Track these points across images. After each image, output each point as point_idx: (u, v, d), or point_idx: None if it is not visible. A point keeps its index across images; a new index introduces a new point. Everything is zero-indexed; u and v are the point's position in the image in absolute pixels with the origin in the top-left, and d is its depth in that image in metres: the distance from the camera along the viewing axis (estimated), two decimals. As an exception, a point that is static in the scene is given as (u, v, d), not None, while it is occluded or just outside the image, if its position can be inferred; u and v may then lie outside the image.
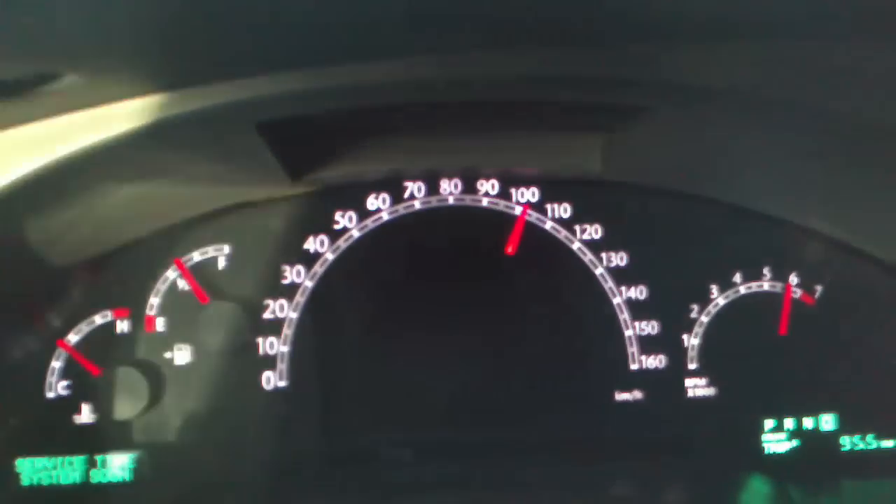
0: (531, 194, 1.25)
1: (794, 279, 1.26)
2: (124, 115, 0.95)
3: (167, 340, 1.22)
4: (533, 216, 1.25)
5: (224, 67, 0.94)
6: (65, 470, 1.20)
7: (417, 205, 1.24)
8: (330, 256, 1.23)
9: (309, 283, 1.22)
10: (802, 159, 1.15)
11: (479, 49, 0.97)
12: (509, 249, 1.22)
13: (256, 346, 1.22)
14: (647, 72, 1.00)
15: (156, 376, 1.20)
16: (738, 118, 1.09)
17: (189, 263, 1.22)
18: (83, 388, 1.20)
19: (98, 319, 1.21)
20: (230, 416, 1.22)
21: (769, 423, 1.25)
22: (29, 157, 0.96)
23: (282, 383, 1.22)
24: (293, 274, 1.23)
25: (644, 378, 1.24)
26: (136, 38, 0.82)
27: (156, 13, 0.75)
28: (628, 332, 1.24)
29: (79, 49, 0.81)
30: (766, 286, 1.25)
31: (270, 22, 0.81)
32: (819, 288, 1.26)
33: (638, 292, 1.24)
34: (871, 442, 1.25)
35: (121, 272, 1.21)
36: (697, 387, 1.24)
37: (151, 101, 0.94)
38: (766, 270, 1.25)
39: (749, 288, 1.25)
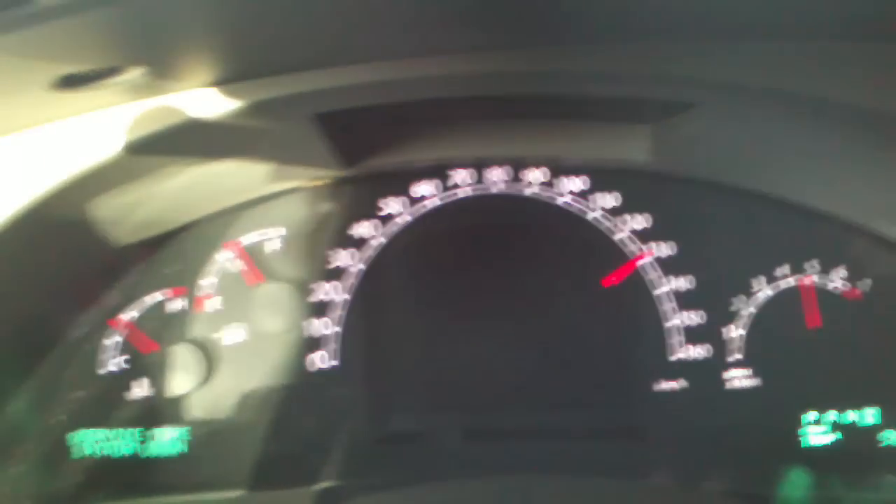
0: (580, 183, 1.26)
1: (840, 273, 1.26)
2: (189, 105, 0.99)
3: (221, 319, 1.25)
4: (579, 206, 1.26)
5: (284, 61, 0.97)
6: (120, 442, 1.25)
7: (466, 192, 1.26)
8: (381, 241, 1.25)
9: (360, 267, 1.25)
10: (849, 155, 1.15)
11: (529, 45, 0.99)
12: (609, 282, 1.24)
13: (308, 326, 1.25)
14: (696, 68, 1.02)
15: (209, 354, 1.24)
16: (785, 114, 1.09)
17: (244, 245, 1.25)
18: (139, 363, 1.25)
19: (155, 298, 1.25)
20: (281, 394, 1.26)
21: (811, 416, 1.25)
22: (99, 143, 0.99)
23: (332, 363, 1.25)
24: (345, 257, 1.25)
25: (687, 368, 1.25)
26: (202, 35, 0.85)
27: (222, 12, 0.78)
28: (673, 322, 1.25)
29: (147, 44, 0.84)
30: (814, 279, 1.25)
31: (329, 20, 0.83)
32: (866, 282, 1.26)
33: (683, 282, 1.25)
34: (913, 437, 1.25)
35: (178, 252, 1.25)
36: (740, 378, 1.25)
37: (215, 91, 0.98)
38: (812, 264, 1.26)
39: (794, 281, 1.25)
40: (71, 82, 0.86)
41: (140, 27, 0.78)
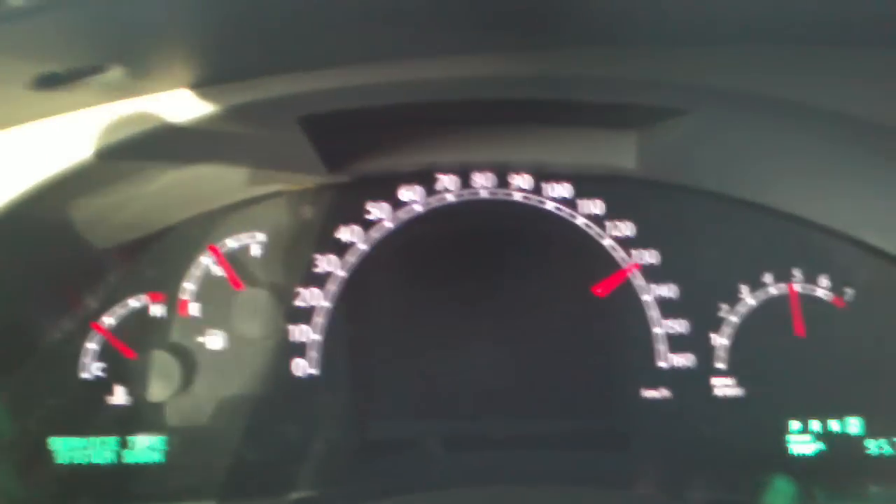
0: (563, 190, 1.25)
1: (824, 282, 1.26)
2: (171, 107, 0.97)
3: (200, 325, 1.23)
4: (564, 212, 1.25)
5: (268, 64, 0.96)
6: (97, 450, 1.22)
7: (450, 198, 1.26)
8: (362, 247, 1.24)
9: (341, 273, 1.24)
10: (835, 164, 1.15)
11: (516, 49, 0.99)
12: (599, 291, 1.23)
13: (288, 333, 1.23)
14: (682, 74, 1.01)
15: (188, 360, 1.22)
16: (772, 122, 1.09)
17: (224, 250, 1.23)
18: (117, 370, 1.22)
19: (133, 303, 1.23)
20: (261, 401, 1.24)
21: (795, 425, 1.25)
22: (78, 144, 0.98)
23: (312, 371, 1.23)
24: (326, 263, 1.24)
25: (671, 376, 1.24)
26: (184, 36, 0.84)
27: (204, 11, 0.77)
28: (657, 330, 1.24)
29: (128, 43, 0.83)
30: (797, 288, 1.25)
31: (313, 21, 0.82)
32: (850, 291, 1.26)
33: (668, 290, 1.24)
34: (897, 447, 1.25)
35: (157, 257, 1.23)
36: (724, 386, 1.24)
37: (198, 93, 0.96)
38: (796, 272, 1.25)
39: (779, 289, 1.25)
40: (49, 81, 0.85)
41: (119, 26, 0.76)
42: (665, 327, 1.24)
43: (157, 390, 1.21)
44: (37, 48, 0.76)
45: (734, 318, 1.24)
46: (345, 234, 1.24)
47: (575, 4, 0.86)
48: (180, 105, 0.97)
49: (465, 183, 1.26)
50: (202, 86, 0.95)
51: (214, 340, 1.23)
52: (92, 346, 1.22)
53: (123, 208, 1.14)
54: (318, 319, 1.23)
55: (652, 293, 1.24)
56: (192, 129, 0.99)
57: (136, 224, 1.20)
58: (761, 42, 0.96)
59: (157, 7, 0.74)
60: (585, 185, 1.25)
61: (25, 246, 1.07)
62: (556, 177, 1.26)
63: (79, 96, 0.92)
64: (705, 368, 1.24)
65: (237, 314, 1.22)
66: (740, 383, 1.25)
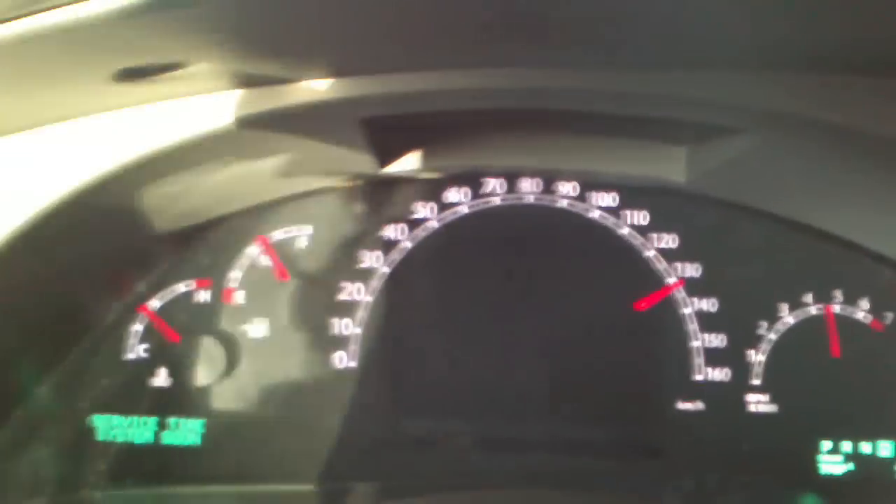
0: (609, 199, 1.26)
1: (864, 304, 1.26)
2: (239, 103, 1.00)
3: (245, 313, 1.26)
4: (609, 221, 1.26)
5: (335, 66, 0.98)
6: (138, 429, 1.26)
7: (496, 201, 1.27)
8: (408, 245, 1.26)
9: (386, 269, 1.26)
10: (882, 187, 1.15)
11: (574, 64, 1.00)
12: (642, 305, 1.24)
13: (330, 325, 1.25)
14: (736, 96, 1.02)
15: (232, 347, 1.25)
16: (821, 144, 1.09)
17: (272, 241, 1.26)
18: (161, 352, 1.25)
19: (181, 288, 1.26)
20: (300, 390, 1.26)
21: (827, 444, 1.25)
22: (149, 135, 1.00)
23: (352, 363, 1.25)
24: (371, 259, 1.26)
25: (707, 390, 1.25)
26: (261, 38, 0.85)
27: (278, 16, 0.79)
28: (696, 343, 1.25)
29: (206, 45, 0.85)
30: (836, 309, 1.26)
31: (380, 29, 0.84)
32: (889, 315, 1.26)
33: (709, 304, 1.25)
34: (929, 473, 1.25)
35: (207, 244, 1.26)
36: (759, 403, 1.25)
37: (265, 91, 0.99)
38: (836, 293, 1.26)
39: (819, 309, 1.25)
40: (130, 75, 0.87)
41: (202, 26, 0.78)
42: (703, 341, 1.25)
43: (200, 375, 1.24)
44: (124, 45, 0.78)
45: (772, 336, 1.25)
46: (391, 231, 1.26)
47: (632, 27, 0.87)
48: (250, 101, 0.99)
49: (512, 187, 1.27)
50: (273, 84, 0.97)
51: (258, 329, 1.26)
52: (139, 328, 1.25)
53: (181, 198, 1.16)
54: (360, 313, 1.26)
55: (692, 306, 1.25)
56: (259, 125, 1.01)
57: (191, 213, 1.22)
58: (813, 69, 0.97)
59: (235, 10, 0.76)
60: (631, 196, 1.26)
61: (88, 232, 1.10)
62: (603, 186, 1.27)
63: (154, 90, 0.94)
64: (740, 384, 1.25)
65: (282, 304, 1.25)
66: (774, 400, 1.25)
